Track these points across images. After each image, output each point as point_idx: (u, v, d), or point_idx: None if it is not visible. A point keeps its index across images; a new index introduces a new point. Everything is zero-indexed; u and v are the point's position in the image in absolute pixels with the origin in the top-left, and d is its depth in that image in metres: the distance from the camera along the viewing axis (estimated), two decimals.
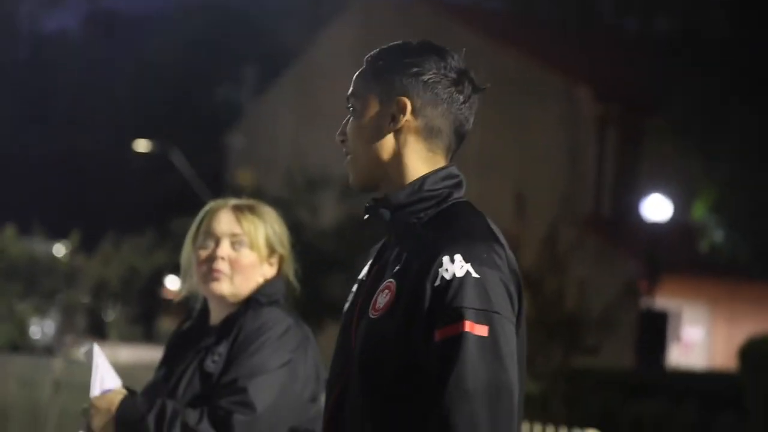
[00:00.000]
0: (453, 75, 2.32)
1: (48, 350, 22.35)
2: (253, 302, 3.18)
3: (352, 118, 2.36)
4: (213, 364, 3.14)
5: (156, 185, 35.93)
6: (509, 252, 2.25)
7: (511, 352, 2.16)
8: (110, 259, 21.08)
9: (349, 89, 2.38)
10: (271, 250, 3.22)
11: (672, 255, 21.03)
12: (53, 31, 44.36)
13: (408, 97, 2.30)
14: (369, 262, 2.38)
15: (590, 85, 24.23)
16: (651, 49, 20.37)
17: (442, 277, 2.16)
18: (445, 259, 2.17)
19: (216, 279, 3.19)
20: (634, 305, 21.16)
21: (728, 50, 17.52)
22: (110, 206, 35.11)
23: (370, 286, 2.30)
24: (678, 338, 23.81)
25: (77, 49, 40.26)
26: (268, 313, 3.16)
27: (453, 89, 2.31)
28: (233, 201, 3.28)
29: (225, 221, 3.23)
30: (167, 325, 41.35)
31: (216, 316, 3.24)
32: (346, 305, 2.37)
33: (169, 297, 39.71)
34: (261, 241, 3.22)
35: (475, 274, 2.16)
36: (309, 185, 18.15)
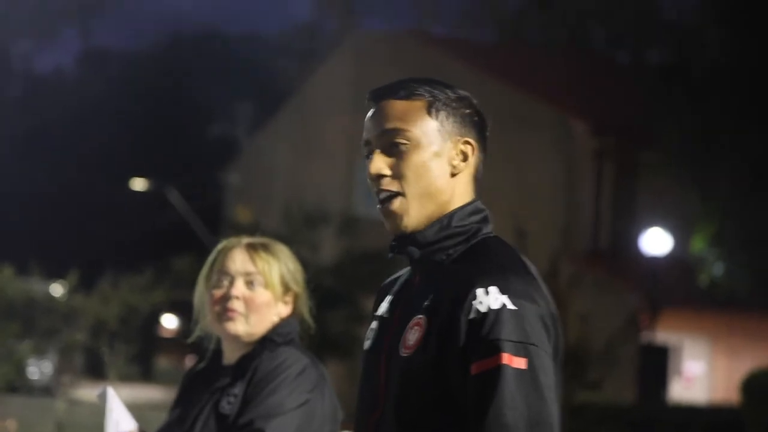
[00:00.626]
0: (483, 115, 2.32)
1: (46, 390, 22.23)
2: (268, 342, 3.14)
3: (404, 154, 2.24)
4: (228, 405, 3.09)
5: (153, 223, 35.88)
6: (544, 287, 2.21)
7: (551, 385, 2.12)
8: (108, 297, 20.99)
9: (397, 120, 2.25)
10: (286, 289, 3.18)
11: (671, 289, 20.99)
12: (48, 69, 44.46)
13: (471, 138, 2.28)
14: (389, 299, 2.32)
15: (586, 118, 24.25)
16: (644, 81, 20.39)
17: (477, 310, 2.12)
18: (480, 291, 2.13)
19: (231, 319, 3.15)
20: (635, 339, 21.08)
21: (721, 81, 17.54)
22: (108, 245, 35.03)
23: (396, 323, 2.24)
24: (679, 372, 23.71)
25: (72, 87, 40.30)
26: (284, 352, 3.11)
27: (485, 131, 2.32)
28: (246, 239, 3.23)
29: (239, 260, 3.18)
30: (164, 363, 41.23)
31: (230, 356, 3.20)
32: (367, 343, 2.31)
33: (166, 335, 39.64)
34: (275, 280, 3.17)
35: (511, 306, 2.12)
36: (307, 221, 18.12)
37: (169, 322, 36.97)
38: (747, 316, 22.91)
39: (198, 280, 3.25)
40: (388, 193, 2.24)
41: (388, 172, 2.25)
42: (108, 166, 37.03)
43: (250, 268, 3.16)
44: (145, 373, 35.01)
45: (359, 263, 18.42)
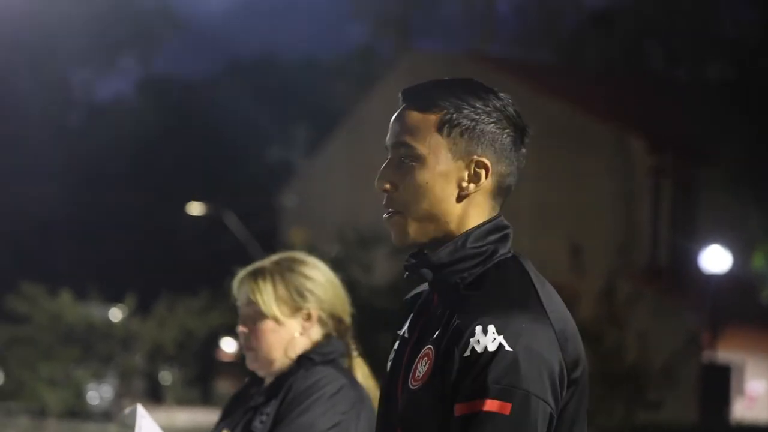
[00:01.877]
0: (521, 126, 2.16)
1: (106, 415, 22.34)
2: (305, 360, 3.06)
3: (410, 168, 2.11)
4: (261, 424, 3.01)
5: (210, 247, 36.09)
6: (559, 315, 2.06)
7: None
8: (165, 321, 21.08)
9: (407, 133, 2.13)
10: (295, 307, 3.07)
11: (732, 307, 20.70)
12: (107, 97, 44.98)
13: (486, 156, 2.11)
14: (410, 317, 2.21)
15: (643, 134, 24.06)
16: (703, 98, 20.20)
17: (473, 348, 1.99)
18: (478, 329, 2.00)
19: (245, 354, 3.12)
20: (696, 358, 20.80)
21: None
22: (165, 269, 35.28)
23: (413, 348, 2.14)
24: (742, 392, 23.37)
25: (131, 114, 40.74)
26: (320, 371, 3.02)
27: (519, 145, 2.15)
28: (251, 267, 3.15)
29: (242, 293, 3.12)
30: (224, 387, 41.35)
31: (268, 378, 3.15)
32: (389, 364, 2.21)
33: (225, 359, 39.82)
34: (271, 303, 3.07)
35: (507, 348, 1.98)
36: (361, 242, 18.09)
37: (228, 345, 37.11)
38: None
39: None
40: (389, 210, 2.14)
41: (389, 187, 2.14)
42: (166, 191, 37.34)
43: (247, 297, 3.09)
44: (205, 397, 35.11)
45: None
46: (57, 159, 36.30)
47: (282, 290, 3.08)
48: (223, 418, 3.18)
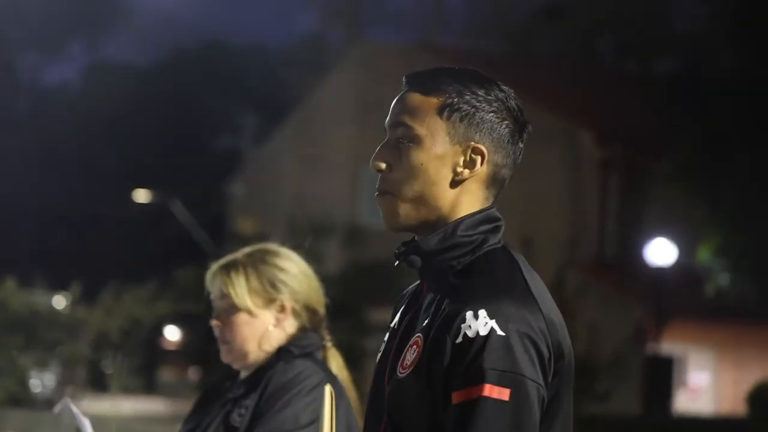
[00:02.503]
0: (521, 121, 2.15)
1: (49, 403, 22.13)
2: (284, 353, 3.03)
3: (405, 148, 2.10)
4: (239, 417, 2.99)
5: (157, 235, 35.86)
6: (548, 304, 2.06)
7: (534, 420, 1.98)
8: (111, 309, 20.91)
9: (407, 114, 2.12)
10: (268, 298, 3.05)
11: (677, 299, 20.88)
12: (54, 82, 44.52)
13: (483, 144, 2.10)
14: (401, 309, 2.21)
15: (593, 128, 24.20)
16: (652, 92, 20.33)
17: (465, 334, 1.98)
18: (469, 314, 1.99)
19: (220, 347, 3.09)
20: (641, 351, 20.99)
21: (729, 92, 17.47)
22: (111, 257, 35.01)
23: (401, 338, 2.13)
24: (684, 384, 23.59)
25: (77, 100, 40.35)
26: (300, 365, 3.00)
27: (516, 137, 2.15)
28: (224, 259, 3.12)
29: (215, 286, 3.09)
30: (167, 375, 41.16)
31: (244, 371, 3.12)
32: (378, 356, 2.20)
33: (169, 347, 39.60)
34: (244, 295, 3.04)
35: (500, 332, 1.97)
36: (312, 232, 18.07)
37: (172, 334, 36.91)
38: (753, 327, 22.80)
39: None
40: (381, 189, 2.13)
41: (385, 167, 2.12)
42: (111, 178, 37.05)
43: (220, 291, 3.07)
44: (148, 386, 34.90)
45: (364, 274, 18.37)
46: (2, 144, 35.88)
47: (255, 282, 3.04)
48: (196, 411, 3.14)
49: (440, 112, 2.11)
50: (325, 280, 3.20)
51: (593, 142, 24.04)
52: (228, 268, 3.07)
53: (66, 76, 45.69)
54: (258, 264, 3.06)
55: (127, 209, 35.21)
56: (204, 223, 29.50)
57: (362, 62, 27.64)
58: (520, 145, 2.16)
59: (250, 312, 3.04)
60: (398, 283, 19.20)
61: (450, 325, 2.00)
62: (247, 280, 3.04)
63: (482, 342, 1.97)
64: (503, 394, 1.95)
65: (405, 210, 2.10)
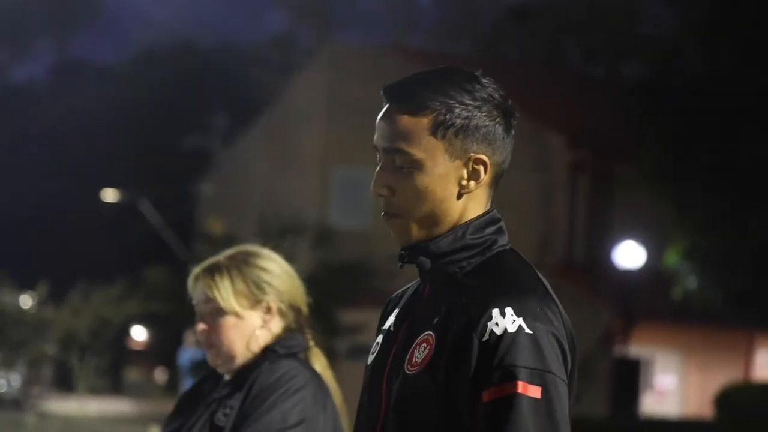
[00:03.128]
0: (509, 111, 2.15)
1: (15, 403, 22.00)
2: (270, 353, 3.02)
3: (411, 176, 2.09)
4: (224, 417, 2.97)
5: (125, 234, 35.68)
6: (561, 307, 2.08)
7: (565, 416, 2.00)
8: (79, 309, 20.79)
9: (401, 139, 2.10)
10: (254, 300, 3.03)
11: (645, 302, 20.98)
12: (22, 80, 44.20)
13: (483, 153, 2.10)
14: (395, 312, 2.20)
15: (562, 131, 24.28)
16: (621, 96, 20.42)
17: (492, 331, 1.98)
18: (495, 312, 2.00)
19: (207, 351, 3.06)
20: (609, 353, 21.07)
21: (698, 96, 17.57)
22: (79, 256, 34.81)
23: (403, 338, 2.12)
24: (650, 386, 23.71)
25: (46, 98, 40.11)
26: (286, 365, 2.99)
27: (510, 131, 2.16)
28: (206, 263, 3.10)
29: (198, 290, 3.07)
30: (133, 376, 40.95)
31: (228, 373, 3.10)
32: (371, 358, 2.19)
33: (136, 348, 39.40)
34: (230, 299, 3.03)
35: (527, 330, 1.98)
36: (282, 232, 18.03)
37: (139, 334, 36.74)
38: (719, 330, 22.94)
39: None
40: (389, 213, 2.13)
41: (386, 192, 2.12)
42: (80, 177, 36.85)
43: (204, 295, 3.05)
44: (115, 386, 34.69)
45: (334, 275, 18.35)
46: None
47: (240, 284, 3.03)
48: (178, 411, 3.12)
49: (434, 132, 2.09)
50: None
51: (562, 145, 24.13)
52: (212, 272, 3.05)
53: (35, 74, 45.37)
54: (241, 266, 3.04)
55: (96, 209, 35.03)
56: (173, 223, 29.39)
57: (332, 63, 27.63)
58: (513, 132, 2.17)
59: (237, 315, 3.02)
60: (367, 285, 19.20)
61: (475, 324, 2.00)
62: (232, 282, 3.03)
63: (511, 339, 1.98)
64: (535, 391, 1.96)
65: (416, 229, 2.11)
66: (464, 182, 2.10)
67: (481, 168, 2.11)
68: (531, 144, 23.84)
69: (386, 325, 2.20)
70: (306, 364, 3.03)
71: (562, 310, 2.08)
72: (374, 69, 26.10)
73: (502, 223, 2.15)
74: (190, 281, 3.09)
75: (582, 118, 25.27)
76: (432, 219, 2.10)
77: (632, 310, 20.42)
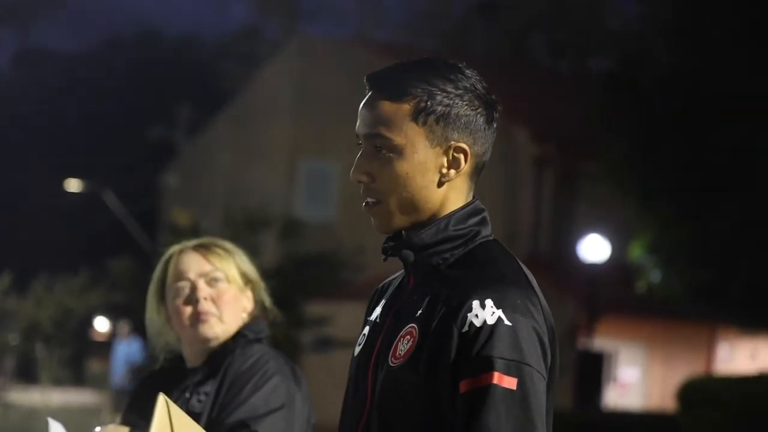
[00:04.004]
0: (490, 102, 2.18)
1: None
2: (240, 338, 3.02)
3: (387, 159, 2.10)
4: (199, 403, 2.97)
5: (89, 225, 35.50)
6: (543, 300, 2.10)
7: (540, 409, 2.01)
8: (42, 300, 20.68)
9: (382, 125, 2.11)
10: (246, 280, 3.07)
11: (609, 295, 21.10)
12: None
13: (464, 141, 2.12)
14: (382, 303, 2.21)
15: (528, 125, 24.36)
16: (586, 89, 20.51)
17: (471, 323, 2.00)
18: (475, 303, 2.01)
19: (205, 321, 3.01)
20: (573, 346, 21.19)
21: (663, 92, 17.67)
22: (42, 246, 34.60)
23: (389, 330, 2.13)
24: (614, 379, 23.86)
25: (8, 87, 39.78)
26: (258, 350, 3.00)
27: (492, 123, 2.18)
28: (191, 242, 3.12)
29: (194, 262, 3.05)
30: (96, 367, 40.75)
31: (196, 358, 3.06)
32: (357, 349, 2.20)
33: (98, 339, 39.22)
34: (235, 272, 3.05)
35: (507, 322, 2.00)
36: (249, 224, 17.96)
37: (102, 325, 36.56)
38: (683, 324, 23.11)
39: (147, 301, 3.10)
40: (369, 200, 2.14)
41: (366, 179, 2.13)
42: (44, 167, 36.61)
43: (207, 267, 3.03)
44: (78, 377, 34.52)
45: (301, 267, 18.32)
46: None
47: (239, 262, 3.08)
48: (139, 403, 3.08)
49: (415, 118, 2.10)
50: (261, 273, 3.22)
51: (528, 139, 24.20)
52: (212, 246, 3.08)
53: None
54: (234, 251, 3.10)
55: (59, 199, 34.83)
56: (137, 214, 29.26)
57: (299, 55, 27.57)
58: (494, 125, 2.19)
59: (239, 289, 3.05)
60: (333, 277, 19.18)
61: (455, 315, 2.02)
62: (233, 259, 3.07)
63: (490, 331, 1.99)
64: (511, 383, 1.97)
65: (396, 216, 2.11)
66: (444, 170, 2.11)
67: (462, 157, 2.11)
68: (496, 138, 23.86)
69: (372, 316, 2.21)
70: (274, 348, 3.05)
71: (544, 303, 2.09)
72: (341, 61, 26.08)
73: (485, 214, 2.16)
74: (170, 255, 3.08)
75: (548, 113, 25.36)
76: (412, 206, 2.10)
77: (597, 304, 20.54)
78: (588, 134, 20.61)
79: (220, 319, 3.01)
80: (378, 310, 2.21)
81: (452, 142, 2.11)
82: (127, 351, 22.97)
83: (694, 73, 17.26)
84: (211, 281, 3.03)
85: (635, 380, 24.10)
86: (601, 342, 22.25)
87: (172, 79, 39.01)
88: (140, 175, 34.74)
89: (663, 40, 18.20)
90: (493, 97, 2.19)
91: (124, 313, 27.25)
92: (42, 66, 40.82)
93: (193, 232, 19.10)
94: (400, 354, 2.06)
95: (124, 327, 25.01)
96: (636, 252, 18.25)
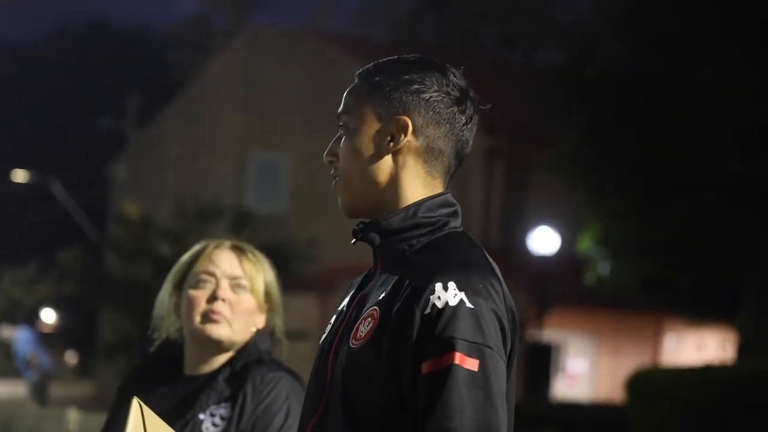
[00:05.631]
0: (456, 93, 2.21)
1: None
2: (257, 359, 2.95)
3: (344, 138, 2.20)
4: (214, 427, 2.88)
5: (37, 217, 35.17)
6: (505, 287, 2.13)
7: (501, 391, 2.03)
8: None
9: (340, 106, 2.22)
10: (267, 298, 3.02)
11: (558, 287, 21.22)
12: None
13: (408, 116, 2.17)
14: (351, 293, 2.23)
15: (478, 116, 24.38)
16: (537, 81, 20.58)
17: (434, 304, 2.02)
18: (438, 286, 2.04)
19: (215, 321, 2.94)
20: (522, 338, 21.28)
21: (612, 84, 17.77)
22: None
23: (351, 315, 2.15)
24: (562, 370, 24.00)
25: None
26: (276, 376, 2.92)
27: (455, 109, 2.21)
28: (229, 241, 3.06)
29: (226, 261, 2.98)
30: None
31: (196, 365, 2.97)
32: (323, 337, 2.21)
33: (45, 330, 38.93)
34: (260, 287, 2.98)
35: (469, 305, 2.03)
36: (200, 215, 17.87)
37: (48, 316, 36.27)
38: (631, 315, 23.29)
39: (165, 282, 3.02)
40: (334, 178, 2.22)
41: (331, 158, 2.22)
42: None
43: (237, 271, 2.98)
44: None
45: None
46: None
47: (268, 279, 3.01)
48: (119, 409, 2.97)
49: (368, 93, 2.19)
50: None
51: (478, 130, 24.24)
52: (245, 252, 3.01)
53: None
54: (267, 268, 3.02)
55: (5, 190, 34.47)
56: (86, 206, 29.02)
57: (249, 45, 27.45)
58: (462, 118, 2.22)
59: (258, 304, 2.99)
60: (285, 269, 19.14)
61: (418, 297, 2.04)
62: (264, 272, 3.01)
63: (451, 313, 2.01)
64: (473, 364, 1.99)
65: (355, 194, 2.17)
66: (389, 143, 2.16)
67: (404, 130, 2.16)
68: None
69: (340, 306, 2.23)
70: (284, 366, 2.99)
71: (506, 290, 2.12)
72: (293, 52, 25.98)
73: (457, 207, 2.21)
74: (205, 246, 3.02)
75: (498, 105, 25.39)
76: (365, 182, 2.16)
77: (546, 296, 20.64)
78: (538, 126, 20.72)
79: (231, 325, 2.95)
80: (346, 300, 2.23)
81: (397, 116, 2.17)
82: (27, 345, 22.43)
83: (643, 67, 17.37)
84: (235, 287, 2.97)
85: (584, 371, 24.27)
86: (549, 333, 22.37)
87: (120, 70, 38.72)
88: (88, 165, 34.47)
89: (613, 32, 18.30)
90: (470, 93, 2.24)
91: (72, 304, 27.03)
92: None
93: (143, 222, 18.98)
94: (360, 336, 2.08)
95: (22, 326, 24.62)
96: (585, 244, 18.36)
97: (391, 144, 2.16)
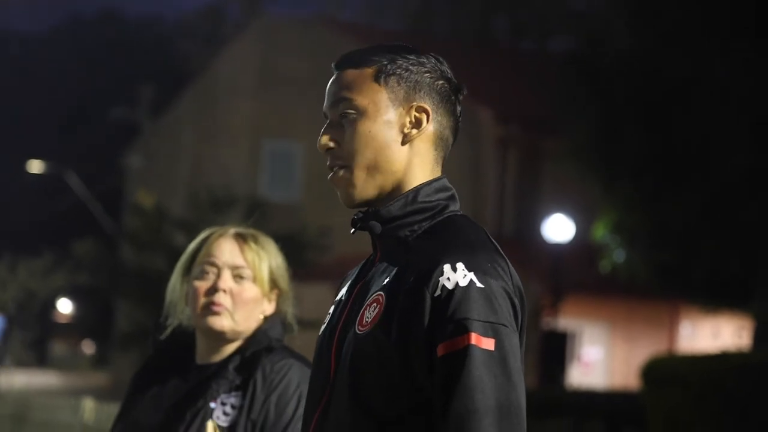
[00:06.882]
0: (454, 81, 2.22)
1: None
2: (266, 347, 2.94)
3: (351, 123, 2.13)
4: (225, 416, 2.88)
5: (52, 207, 35.29)
6: (511, 266, 2.12)
7: (519, 368, 2.02)
8: (5, 282, 20.55)
9: (345, 89, 2.16)
10: (273, 285, 2.98)
11: (573, 275, 21.21)
12: None
13: (425, 102, 2.15)
14: (348, 284, 2.22)
15: (491, 106, 24.38)
16: (549, 70, 20.55)
17: (444, 286, 2.01)
18: (447, 267, 2.02)
19: (216, 313, 2.93)
20: (537, 326, 21.29)
21: (626, 72, 17.73)
22: (5, 228, 34.37)
23: (354, 303, 2.13)
24: (577, 358, 24.00)
25: None
26: (287, 363, 2.91)
27: (454, 97, 2.21)
28: (234, 229, 3.02)
29: (228, 250, 2.96)
30: (59, 349, 40.57)
31: (206, 354, 2.97)
32: (322, 328, 2.20)
33: (62, 320, 39.05)
34: (264, 275, 2.96)
35: (479, 284, 2.01)
36: (214, 205, 17.89)
37: (65, 306, 36.37)
38: (646, 303, 23.27)
39: (175, 269, 3.02)
40: (335, 165, 2.15)
41: (333, 145, 2.15)
42: (5, 149, 36.33)
43: (239, 260, 2.95)
44: (41, 359, 34.34)
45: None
46: None
47: (273, 265, 2.98)
48: (139, 398, 2.99)
49: (377, 79, 2.15)
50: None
51: (491, 120, 24.23)
52: (251, 240, 2.98)
53: None
54: (273, 252, 2.99)
55: (22, 180, 34.58)
56: (100, 196, 29.10)
57: (262, 35, 27.47)
58: (459, 107, 2.22)
59: (263, 292, 2.97)
60: (298, 258, 19.19)
61: (427, 280, 2.02)
62: (268, 260, 2.98)
63: (462, 293, 2.00)
64: (489, 344, 1.98)
65: (361, 180, 2.13)
66: (406, 130, 2.14)
67: (424, 117, 2.15)
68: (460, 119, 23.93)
69: (338, 297, 2.22)
70: (294, 353, 2.98)
71: (512, 268, 2.11)
72: (305, 41, 25.99)
73: (454, 191, 2.19)
74: (209, 235, 3.00)
75: (511, 93, 25.40)
76: (375, 167, 2.13)
77: (561, 284, 20.63)
78: (552, 115, 20.67)
79: (232, 316, 2.94)
80: (344, 290, 2.22)
81: (414, 103, 2.14)
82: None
83: (656, 56, 17.33)
84: (237, 276, 2.95)
85: (599, 359, 24.26)
86: (564, 321, 22.37)
87: (134, 60, 38.77)
88: (103, 156, 34.56)
89: (626, 21, 18.25)
90: (457, 82, 2.22)
91: (87, 294, 27.11)
92: (2, 47, 40.45)
93: (158, 212, 19.03)
94: (366, 321, 2.06)
95: None
96: (599, 232, 18.34)
97: (414, 130, 2.13)
